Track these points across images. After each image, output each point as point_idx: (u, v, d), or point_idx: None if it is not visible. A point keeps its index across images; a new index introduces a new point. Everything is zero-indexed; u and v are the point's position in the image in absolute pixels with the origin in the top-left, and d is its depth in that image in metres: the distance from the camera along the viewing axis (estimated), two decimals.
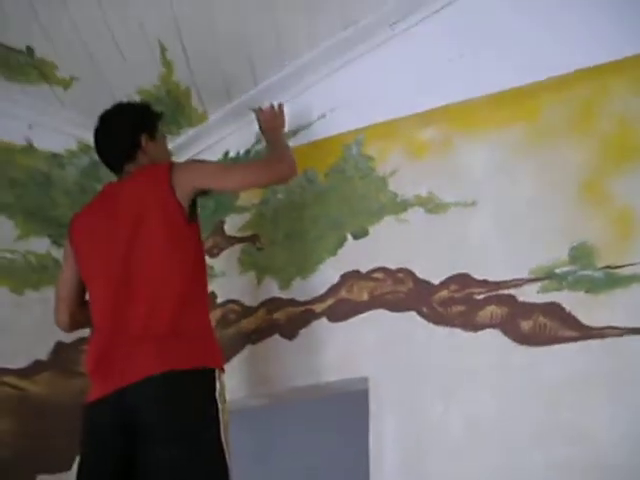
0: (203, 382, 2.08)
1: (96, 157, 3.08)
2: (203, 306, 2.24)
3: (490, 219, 2.22)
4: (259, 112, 2.69)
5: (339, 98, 2.72)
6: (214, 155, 3.14)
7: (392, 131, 2.54)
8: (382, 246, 2.46)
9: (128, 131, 2.40)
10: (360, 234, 2.53)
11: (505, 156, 2.23)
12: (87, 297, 2.38)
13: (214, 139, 3.16)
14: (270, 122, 2.64)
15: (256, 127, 2.93)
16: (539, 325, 2.03)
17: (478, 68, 2.36)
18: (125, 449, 2.05)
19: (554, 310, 2.01)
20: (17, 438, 2.80)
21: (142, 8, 2.59)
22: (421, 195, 2.39)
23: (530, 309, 2.06)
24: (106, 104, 2.80)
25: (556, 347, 1.98)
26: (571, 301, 1.99)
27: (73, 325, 2.43)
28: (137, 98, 2.95)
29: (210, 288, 2.85)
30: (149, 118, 2.48)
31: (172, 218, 2.21)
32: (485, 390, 2.09)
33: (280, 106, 2.71)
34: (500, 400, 2.06)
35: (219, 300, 2.92)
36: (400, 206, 2.43)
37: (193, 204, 2.29)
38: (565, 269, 2.02)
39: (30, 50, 2.78)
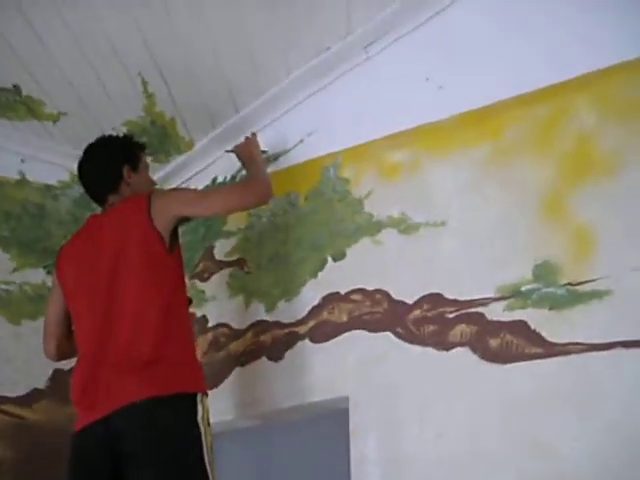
0: (184, 407, 2.12)
1: None
2: (184, 333, 2.28)
3: (458, 238, 2.24)
4: (235, 148, 2.77)
5: (316, 122, 2.77)
6: (203, 181, 3.21)
7: (366, 153, 2.57)
8: (359, 268, 2.49)
9: (109, 163, 2.45)
10: (339, 256, 2.57)
11: (471, 176, 2.25)
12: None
13: (202, 165, 3.23)
14: (246, 151, 2.71)
15: None
16: (506, 343, 2.04)
17: (445, 89, 2.40)
18: (113, 473, 2.10)
19: (520, 327, 2.02)
20: (17, 465, 2.87)
21: (120, 46, 2.67)
22: (394, 216, 2.42)
23: (497, 327, 2.07)
24: (95, 135, 2.86)
25: (522, 364, 1.99)
26: (536, 318, 2.01)
27: (60, 355, 2.49)
28: (124, 129, 3.04)
29: (201, 312, 2.98)
30: (130, 149, 2.53)
31: (151, 248, 2.25)
32: (456, 408, 2.11)
33: (252, 134, 2.80)
34: (471, 418, 2.08)
35: (210, 324, 2.97)
36: (375, 227, 2.47)
37: (174, 233, 2.33)
38: (530, 287, 2.03)
39: (17, 88, 2.87)
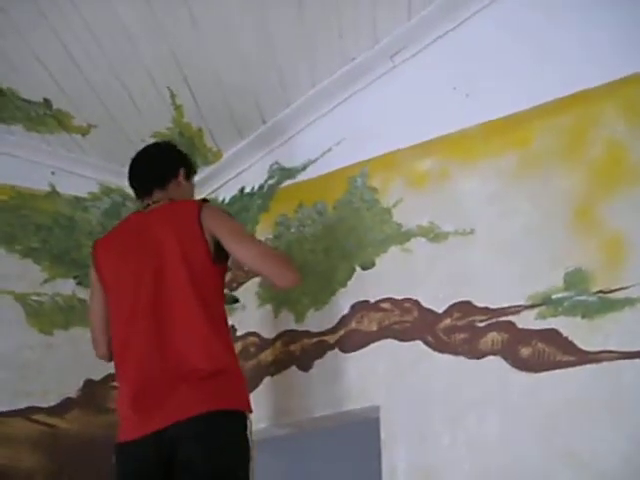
0: (238, 422, 2.13)
1: (117, 198, 3.30)
2: (231, 345, 2.27)
3: (488, 246, 2.24)
4: None
5: (343, 132, 2.79)
6: (230, 191, 3.26)
7: (394, 162, 2.58)
8: (388, 276, 2.50)
9: (172, 158, 2.48)
10: (368, 265, 2.58)
11: (499, 185, 2.26)
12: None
13: (230, 176, 3.27)
14: None
15: (268, 163, 3.08)
16: (538, 351, 2.04)
17: (471, 98, 2.40)
18: None
19: (552, 336, 2.02)
20: (49, 474, 2.89)
21: (149, 60, 2.72)
22: (423, 225, 2.42)
23: (529, 335, 2.07)
24: (124, 147, 3.00)
25: (555, 372, 2.00)
26: (568, 326, 2.01)
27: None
28: (152, 141, 3.00)
29: (231, 321, 2.87)
30: (190, 161, 2.58)
31: (197, 254, 2.21)
32: (488, 417, 2.11)
33: None
34: (503, 427, 2.07)
35: (239, 333, 2.99)
36: (404, 236, 2.47)
37: (221, 247, 2.27)
38: (561, 295, 2.03)
39: (47, 102, 2.92)
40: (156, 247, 2.23)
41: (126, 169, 3.07)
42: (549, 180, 2.15)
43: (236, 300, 2.51)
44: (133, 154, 3.02)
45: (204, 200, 2.34)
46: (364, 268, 2.59)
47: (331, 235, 2.74)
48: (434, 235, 2.40)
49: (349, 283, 2.61)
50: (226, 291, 2.49)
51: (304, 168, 2.93)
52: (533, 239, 2.14)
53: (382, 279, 2.51)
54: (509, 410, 2.08)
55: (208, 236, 2.22)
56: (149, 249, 2.24)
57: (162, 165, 2.45)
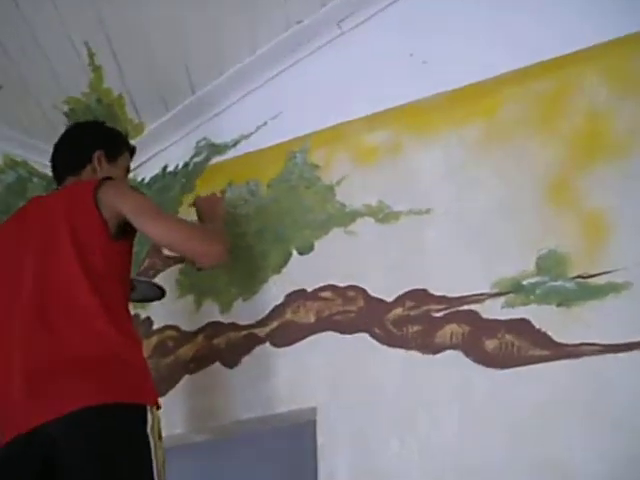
0: (133, 417, 1.96)
1: (23, 173, 3.16)
2: (128, 330, 2.11)
3: (446, 228, 2.18)
4: (197, 200, 2.60)
5: (282, 104, 2.69)
6: (151, 170, 3.10)
7: (339, 136, 2.50)
8: (330, 262, 2.39)
9: (85, 141, 2.40)
10: (306, 249, 2.48)
11: (461, 158, 2.19)
12: None
13: (151, 152, 3.11)
14: (209, 211, 2.53)
15: (195, 139, 2.96)
16: (505, 344, 1.97)
17: (429, 66, 2.35)
18: None
19: (522, 327, 1.95)
20: None
21: (64, 8, 2.50)
22: (370, 204, 2.34)
23: (494, 326, 1.99)
24: (32, 114, 2.90)
25: (524, 369, 1.92)
26: (540, 316, 1.94)
27: None
28: (65, 107, 2.92)
29: (146, 313, 2.85)
30: (113, 138, 2.46)
31: (91, 231, 2.12)
32: (445, 420, 2.00)
33: (222, 192, 2.69)
34: (461, 431, 1.96)
35: (155, 326, 2.83)
36: (348, 217, 2.39)
37: (127, 224, 2.17)
38: (532, 280, 1.97)
39: None
40: (44, 229, 2.16)
41: (34, 141, 3.01)
42: (519, 152, 2.09)
43: (162, 293, 2.51)
44: (42, 123, 2.96)
45: (107, 178, 2.26)
46: (301, 253, 2.48)
47: (264, 216, 2.63)
48: (383, 215, 2.32)
49: (284, 270, 2.50)
50: (147, 279, 2.54)
51: (235, 144, 2.81)
52: (500, 218, 2.08)
53: (322, 265, 2.41)
54: (469, 412, 1.97)
55: (107, 213, 2.12)
56: (37, 231, 2.17)
57: (74, 150, 2.39)
